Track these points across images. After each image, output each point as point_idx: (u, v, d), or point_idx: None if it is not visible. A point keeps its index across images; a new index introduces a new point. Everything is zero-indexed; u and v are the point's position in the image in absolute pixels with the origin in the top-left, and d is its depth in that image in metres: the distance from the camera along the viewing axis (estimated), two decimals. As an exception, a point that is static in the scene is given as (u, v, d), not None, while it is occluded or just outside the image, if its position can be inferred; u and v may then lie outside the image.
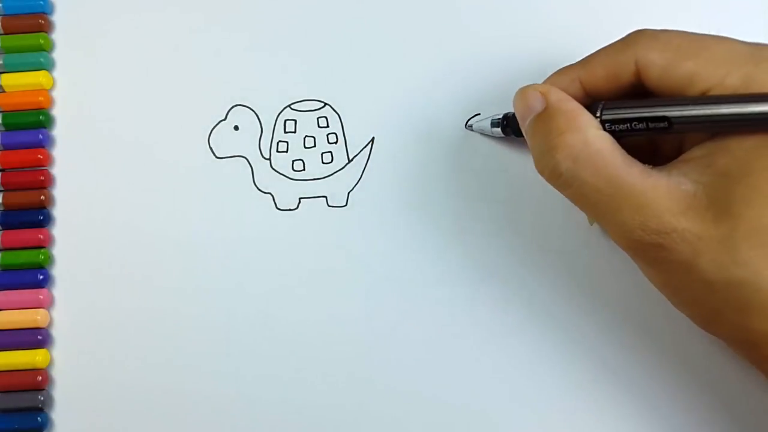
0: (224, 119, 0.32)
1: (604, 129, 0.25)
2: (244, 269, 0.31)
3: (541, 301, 0.30)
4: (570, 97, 0.26)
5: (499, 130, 0.30)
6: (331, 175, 0.32)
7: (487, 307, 0.31)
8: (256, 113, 0.32)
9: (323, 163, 0.32)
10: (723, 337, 0.26)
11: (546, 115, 0.26)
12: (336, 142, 0.32)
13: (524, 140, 0.28)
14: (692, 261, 0.23)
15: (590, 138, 0.24)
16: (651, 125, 0.25)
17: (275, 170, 0.32)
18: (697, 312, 0.25)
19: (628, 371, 0.30)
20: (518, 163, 0.31)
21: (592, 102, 0.26)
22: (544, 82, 0.27)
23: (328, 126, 0.32)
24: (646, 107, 0.25)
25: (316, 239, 0.31)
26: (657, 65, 0.25)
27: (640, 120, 0.25)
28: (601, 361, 0.30)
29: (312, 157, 0.32)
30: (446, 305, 0.31)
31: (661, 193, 0.24)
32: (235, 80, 0.32)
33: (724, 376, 0.29)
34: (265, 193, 0.32)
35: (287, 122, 0.32)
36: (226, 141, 0.32)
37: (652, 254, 0.24)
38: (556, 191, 0.31)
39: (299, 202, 0.32)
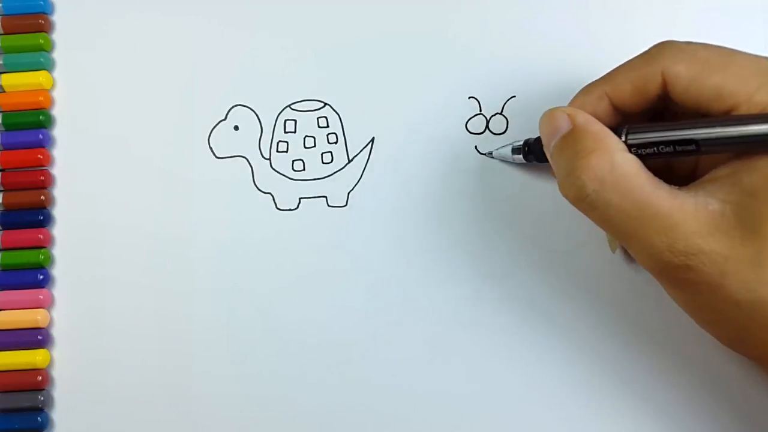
0: (224, 119, 0.32)
1: (630, 152, 0.25)
2: (244, 269, 0.31)
3: (542, 301, 0.30)
4: (596, 120, 0.26)
5: (520, 156, 0.30)
6: (331, 175, 0.32)
7: (488, 307, 0.31)
8: (256, 113, 0.32)
9: (323, 163, 0.32)
10: (750, 355, 0.25)
11: (572, 136, 0.25)
12: (336, 142, 0.32)
13: (546, 167, 0.28)
14: (719, 282, 0.23)
15: (617, 160, 0.24)
16: (678, 148, 0.24)
17: (275, 170, 0.32)
18: (723, 332, 0.25)
19: (630, 372, 0.30)
20: (518, 162, 0.31)
21: (620, 118, 0.26)
22: (572, 101, 0.27)
23: (328, 126, 0.32)
24: (672, 130, 0.24)
25: (316, 239, 0.31)
26: (683, 77, 0.24)
27: (667, 143, 0.24)
28: (602, 362, 0.30)
29: (312, 157, 0.32)
30: (446, 305, 0.31)
31: (689, 214, 0.23)
32: (235, 80, 0.32)
33: (725, 374, 0.29)
34: (265, 193, 0.32)
35: (287, 122, 0.32)
36: (226, 141, 0.32)
37: (680, 275, 0.24)
38: (555, 191, 0.31)
39: (299, 202, 0.32)
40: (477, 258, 0.31)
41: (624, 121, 0.26)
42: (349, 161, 0.32)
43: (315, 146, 0.32)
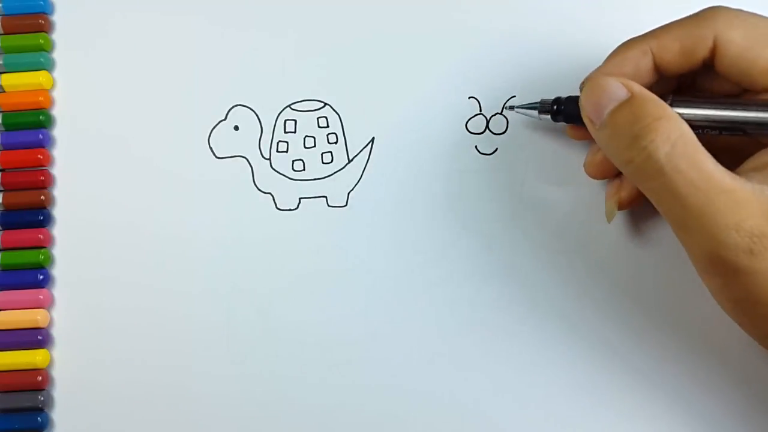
0: (224, 119, 0.32)
1: None
2: (244, 269, 0.31)
3: (542, 300, 0.30)
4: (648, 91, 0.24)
5: (547, 116, 0.28)
6: (331, 175, 0.32)
7: (489, 307, 0.30)
8: (256, 113, 0.32)
9: (323, 163, 0.32)
10: None
11: (635, 102, 0.24)
12: (336, 142, 0.32)
13: (564, 126, 0.27)
14: None
15: (685, 128, 0.23)
16: (724, 133, 0.24)
17: (275, 170, 0.32)
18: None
19: (632, 370, 0.30)
20: (518, 162, 0.31)
21: (657, 79, 0.24)
22: (612, 55, 0.26)
23: (328, 126, 0.32)
24: (720, 108, 0.23)
25: (316, 239, 0.31)
26: (737, 45, 0.23)
27: (713, 127, 0.24)
28: (603, 361, 0.30)
29: (312, 157, 0.32)
30: (446, 305, 0.31)
31: (750, 195, 0.22)
32: (235, 80, 0.32)
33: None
34: (265, 193, 0.32)
35: (287, 122, 0.32)
36: (226, 141, 0.32)
37: (740, 262, 0.22)
38: (555, 191, 0.31)
39: (299, 202, 0.32)
40: (477, 258, 0.31)
41: (660, 83, 0.25)
42: (349, 161, 0.32)
43: (315, 146, 0.32)
